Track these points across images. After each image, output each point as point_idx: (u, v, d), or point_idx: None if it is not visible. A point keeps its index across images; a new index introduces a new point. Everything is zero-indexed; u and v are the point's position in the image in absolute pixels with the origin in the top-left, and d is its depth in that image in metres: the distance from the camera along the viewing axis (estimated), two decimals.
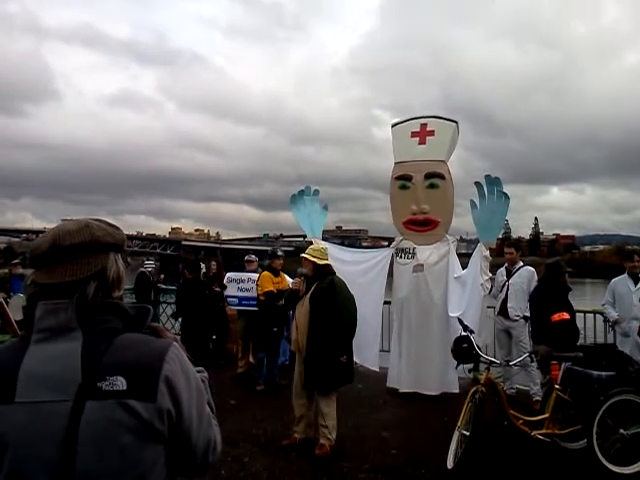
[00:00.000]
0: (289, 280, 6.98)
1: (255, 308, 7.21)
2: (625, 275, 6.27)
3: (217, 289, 7.90)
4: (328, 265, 5.14)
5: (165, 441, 1.23)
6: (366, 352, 7.07)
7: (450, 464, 4.41)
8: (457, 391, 6.49)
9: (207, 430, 1.34)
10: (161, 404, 1.19)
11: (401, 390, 6.78)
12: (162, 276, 10.61)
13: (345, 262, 7.19)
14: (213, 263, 8.83)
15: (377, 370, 7.14)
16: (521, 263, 6.95)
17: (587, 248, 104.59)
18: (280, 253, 7.32)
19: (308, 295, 5.03)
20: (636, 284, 6.10)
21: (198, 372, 1.37)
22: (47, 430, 1.14)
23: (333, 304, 4.88)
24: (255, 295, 7.22)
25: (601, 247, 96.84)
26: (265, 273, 7.08)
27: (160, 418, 1.19)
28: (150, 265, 10.09)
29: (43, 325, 1.22)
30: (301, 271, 5.18)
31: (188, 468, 1.34)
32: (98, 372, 1.17)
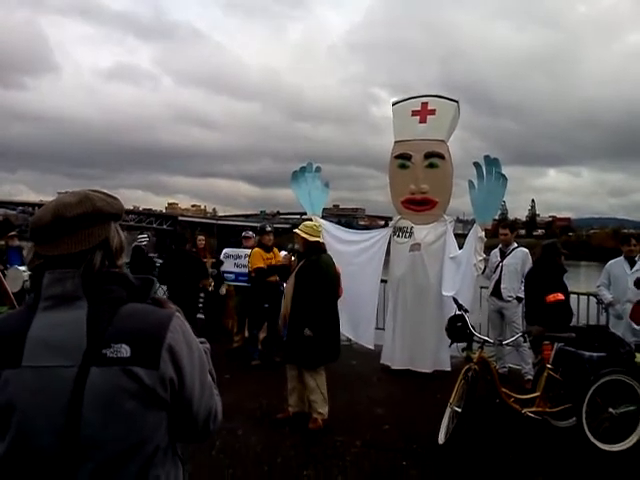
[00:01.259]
0: (283, 255, 7.02)
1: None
2: (621, 258, 6.32)
3: (206, 260, 8.22)
4: (319, 242, 5.16)
5: (167, 408, 1.26)
6: (362, 330, 7.15)
7: (442, 440, 4.49)
8: (449, 369, 6.56)
9: (208, 399, 1.37)
10: (164, 371, 1.22)
11: (394, 367, 6.85)
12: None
13: (343, 241, 7.24)
14: (201, 237, 8.97)
15: (372, 348, 7.21)
16: (515, 244, 6.98)
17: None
18: (269, 229, 7.34)
19: (295, 271, 5.09)
20: (632, 267, 6.15)
21: (200, 343, 1.41)
22: (53, 394, 1.17)
23: (315, 280, 4.92)
24: None
25: (597, 230, 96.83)
26: (256, 250, 7.12)
27: (163, 385, 1.23)
28: (144, 239, 10.00)
29: (50, 293, 1.25)
30: (292, 247, 5.21)
31: (189, 435, 1.38)
32: (103, 339, 1.20)
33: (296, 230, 5.18)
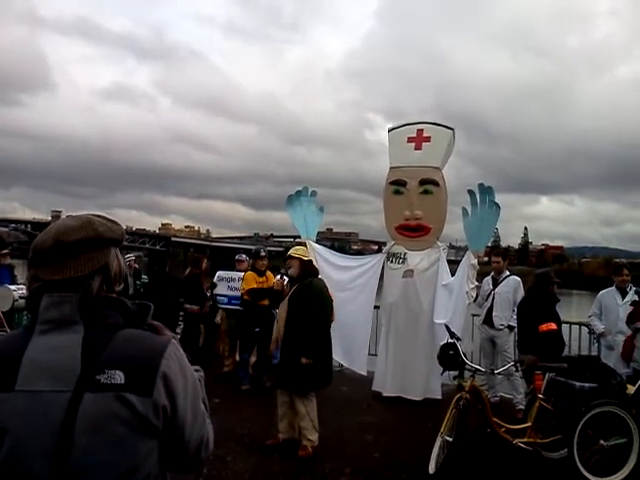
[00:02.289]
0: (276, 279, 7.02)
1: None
2: (613, 288, 6.34)
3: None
4: (312, 262, 5.27)
5: (159, 435, 1.25)
6: (355, 356, 7.10)
7: (432, 469, 4.44)
8: (440, 397, 6.52)
9: (201, 427, 1.36)
10: (157, 399, 1.22)
11: (385, 394, 6.80)
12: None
13: (338, 267, 7.24)
14: (206, 261, 8.90)
15: (365, 374, 7.16)
16: (507, 272, 7.00)
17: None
18: (263, 253, 7.35)
19: (288, 296, 5.11)
20: (623, 298, 6.16)
21: (194, 371, 1.41)
22: (45, 419, 1.16)
23: (309, 306, 4.94)
24: None
25: (589, 259, 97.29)
26: (249, 273, 7.16)
27: (155, 413, 1.22)
28: (130, 258, 9.74)
29: (47, 316, 1.25)
30: (284, 271, 5.23)
31: (180, 463, 1.37)
32: (97, 365, 1.20)
33: (290, 253, 5.21)
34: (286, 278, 5.72)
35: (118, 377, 1.19)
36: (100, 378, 1.18)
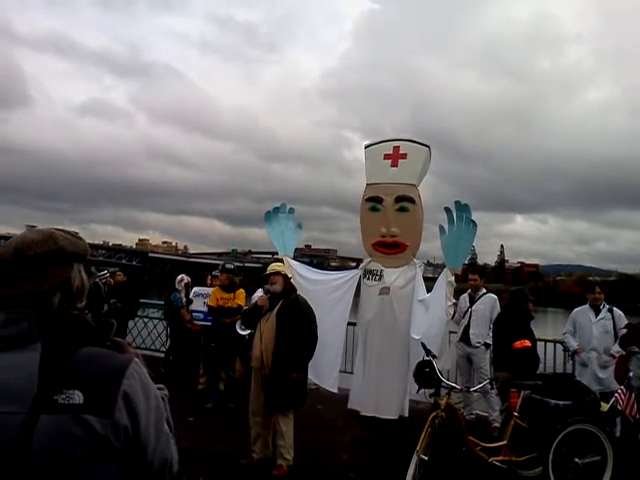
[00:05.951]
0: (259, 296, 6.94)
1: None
2: (586, 306, 6.40)
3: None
4: (291, 280, 5.30)
5: (120, 457, 1.19)
6: (325, 373, 6.97)
7: None
8: (406, 415, 6.48)
9: (164, 449, 1.31)
10: (118, 420, 1.17)
11: (363, 413, 6.73)
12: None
13: (313, 282, 7.18)
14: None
15: (336, 392, 7.07)
16: (484, 290, 7.03)
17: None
18: (217, 270, 7.45)
19: (274, 311, 5.02)
20: (597, 315, 6.23)
21: (158, 389, 1.35)
22: None
23: (299, 322, 4.92)
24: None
25: (564, 277, 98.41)
26: (215, 288, 7.20)
27: (116, 434, 1.17)
28: (104, 276, 9.36)
29: (3, 334, 1.20)
30: (267, 288, 5.14)
31: None
32: (55, 385, 1.14)
33: (277, 269, 5.17)
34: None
35: (77, 397, 1.13)
36: (58, 398, 1.13)
